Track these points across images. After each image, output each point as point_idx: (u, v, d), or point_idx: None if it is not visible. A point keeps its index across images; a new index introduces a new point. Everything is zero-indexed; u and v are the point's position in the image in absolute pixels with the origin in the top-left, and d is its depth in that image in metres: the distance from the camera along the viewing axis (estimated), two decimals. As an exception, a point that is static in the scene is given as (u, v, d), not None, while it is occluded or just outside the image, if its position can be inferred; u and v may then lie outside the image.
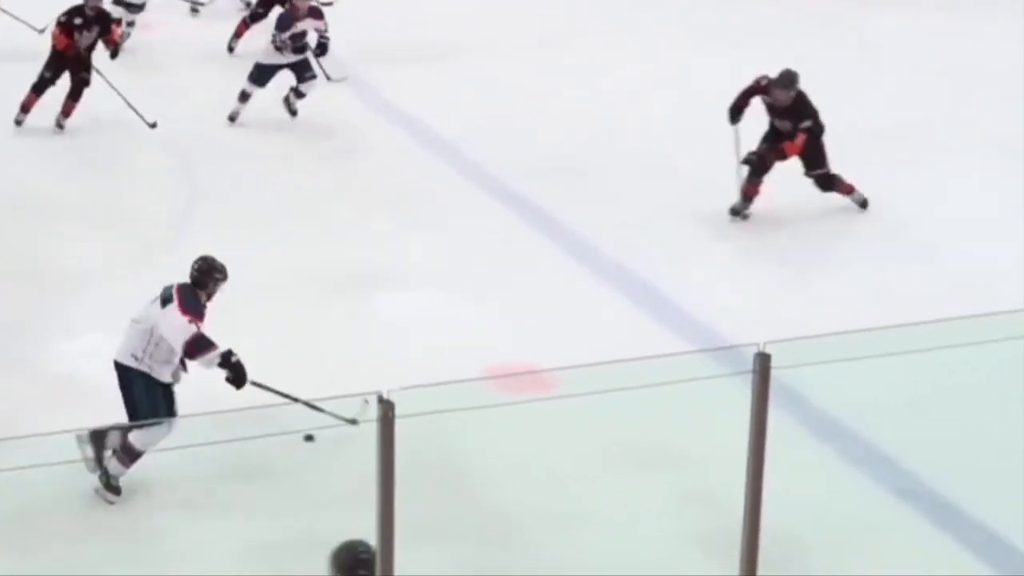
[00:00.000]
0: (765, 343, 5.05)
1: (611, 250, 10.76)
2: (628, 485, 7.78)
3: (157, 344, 7.56)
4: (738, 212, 11.20)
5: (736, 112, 11.18)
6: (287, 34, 12.98)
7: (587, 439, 7.93)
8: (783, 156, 11.09)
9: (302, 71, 13.14)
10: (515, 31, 16.33)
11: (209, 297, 7.73)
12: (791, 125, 11.05)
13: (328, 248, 10.77)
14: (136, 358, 7.59)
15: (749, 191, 11.19)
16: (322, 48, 13.15)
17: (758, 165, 11.11)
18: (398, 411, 4.77)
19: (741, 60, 12.90)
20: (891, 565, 7.16)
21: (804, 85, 11.09)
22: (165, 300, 7.61)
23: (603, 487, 7.79)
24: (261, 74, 13.15)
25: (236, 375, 7.50)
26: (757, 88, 11.18)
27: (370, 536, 4.85)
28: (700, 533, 7.34)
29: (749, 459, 5.12)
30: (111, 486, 7.62)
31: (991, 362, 7.96)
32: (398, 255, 10.68)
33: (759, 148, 11.15)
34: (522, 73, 14.90)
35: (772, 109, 11.18)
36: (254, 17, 14.98)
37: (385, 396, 4.74)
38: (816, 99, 11.13)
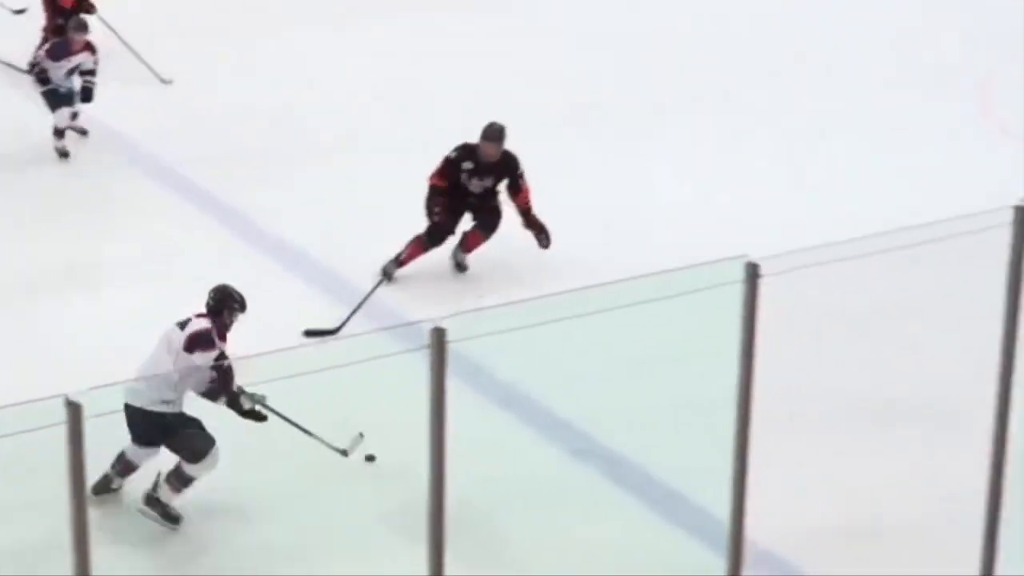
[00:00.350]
0: (441, 318, 5.28)
1: (295, 238, 10.85)
2: (317, 467, 7.93)
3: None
4: (389, 275, 10.21)
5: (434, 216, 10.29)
6: (60, 65, 12.32)
7: (277, 424, 8.02)
8: (521, 207, 10.28)
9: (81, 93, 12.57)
10: (183, 20, 16.11)
11: (228, 327, 7.69)
12: (495, 180, 10.23)
13: (13, 251, 10.60)
14: (166, 402, 7.44)
15: (411, 256, 10.28)
16: (86, 93, 12.55)
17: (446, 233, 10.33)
18: (88, 412, 4.79)
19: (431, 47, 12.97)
20: (574, 522, 7.52)
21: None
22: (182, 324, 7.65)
23: (292, 470, 7.94)
24: (57, 98, 12.41)
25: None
26: (445, 170, 10.20)
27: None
28: (389, 510, 7.57)
29: (431, 431, 5.35)
30: (170, 516, 7.52)
31: (650, 322, 8.44)
32: (84, 256, 10.58)
33: (441, 218, 10.21)
34: (201, 65, 14.80)
35: (475, 171, 10.20)
36: (57, 31, 13.53)
37: (73, 398, 4.75)
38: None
